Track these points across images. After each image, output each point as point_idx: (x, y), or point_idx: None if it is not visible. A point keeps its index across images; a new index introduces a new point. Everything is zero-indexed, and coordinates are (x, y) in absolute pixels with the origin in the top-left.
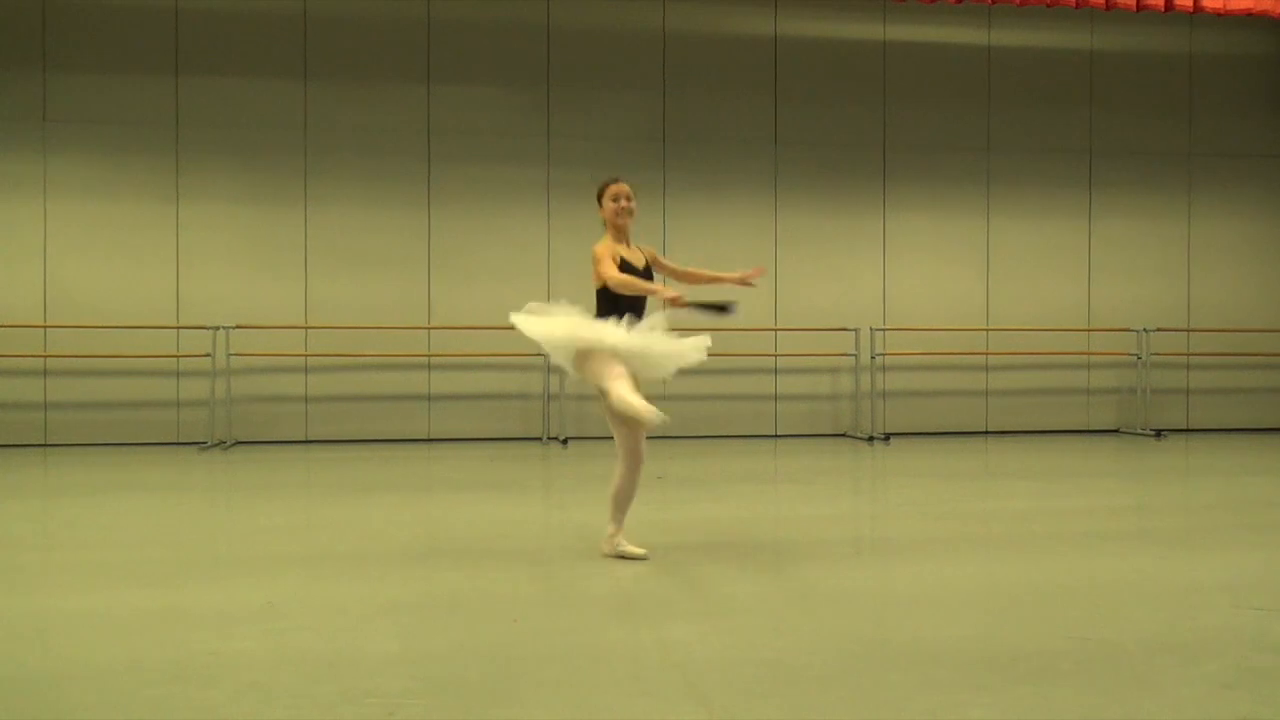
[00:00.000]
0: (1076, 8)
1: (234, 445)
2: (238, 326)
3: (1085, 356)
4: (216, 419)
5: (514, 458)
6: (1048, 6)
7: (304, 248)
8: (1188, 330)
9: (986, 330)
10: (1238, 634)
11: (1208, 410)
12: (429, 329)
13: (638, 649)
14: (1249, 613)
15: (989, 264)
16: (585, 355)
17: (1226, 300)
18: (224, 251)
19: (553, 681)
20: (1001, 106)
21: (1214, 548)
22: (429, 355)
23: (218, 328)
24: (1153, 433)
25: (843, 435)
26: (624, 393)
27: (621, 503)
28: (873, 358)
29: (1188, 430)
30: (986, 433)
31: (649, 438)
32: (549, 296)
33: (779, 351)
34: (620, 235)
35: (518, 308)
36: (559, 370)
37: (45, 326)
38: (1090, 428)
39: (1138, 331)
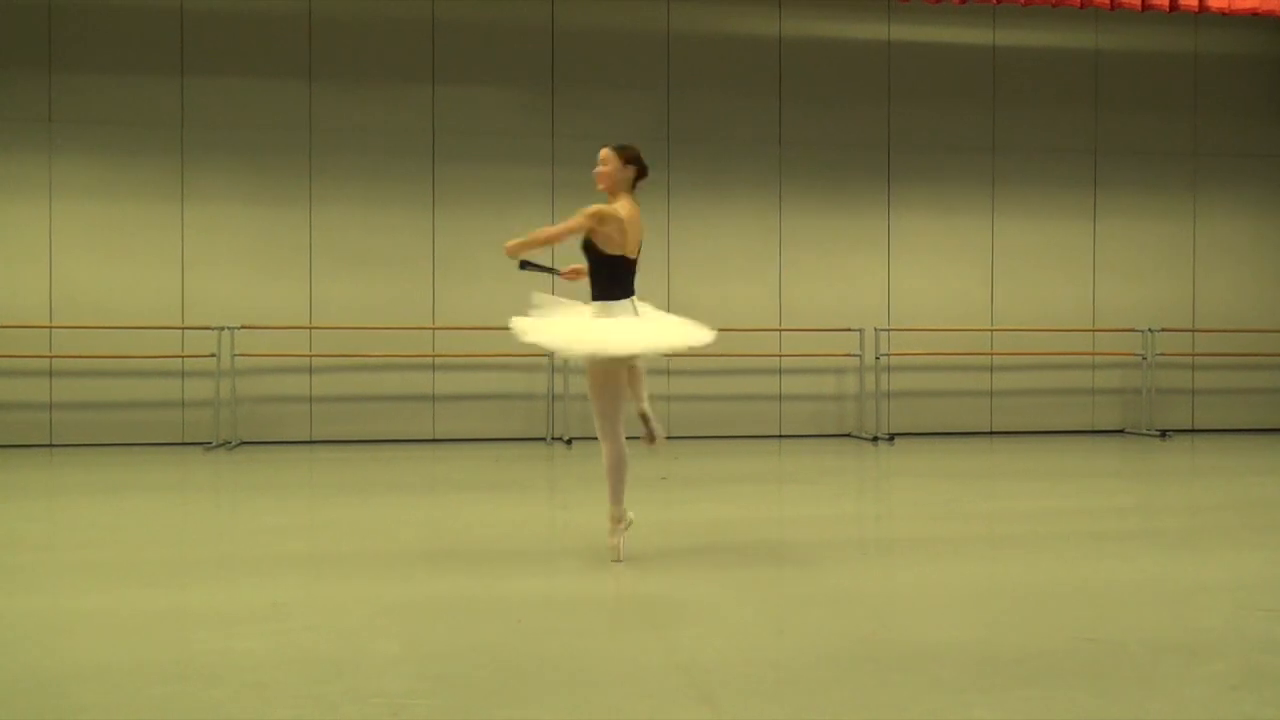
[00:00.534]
0: (1081, 8)
1: (239, 445)
2: (242, 327)
3: (1090, 357)
4: (221, 419)
5: (518, 458)
6: (1052, 6)
7: (309, 248)
8: (1193, 330)
9: (991, 330)
10: (1243, 635)
11: (1213, 410)
12: (433, 329)
13: (642, 649)
14: (1254, 613)
15: (993, 264)
16: (594, 361)
17: (1232, 300)
18: (229, 252)
19: (557, 682)
20: (1006, 107)
21: (1219, 548)
22: (433, 355)
23: (222, 328)
24: (1158, 433)
25: (847, 436)
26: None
27: (615, 481)
28: (877, 358)
29: (1193, 431)
30: (991, 433)
31: (629, 437)
32: (553, 295)
33: (783, 352)
34: (612, 197)
35: (522, 308)
36: (563, 371)
37: (50, 327)
38: (1095, 428)
39: (1143, 332)
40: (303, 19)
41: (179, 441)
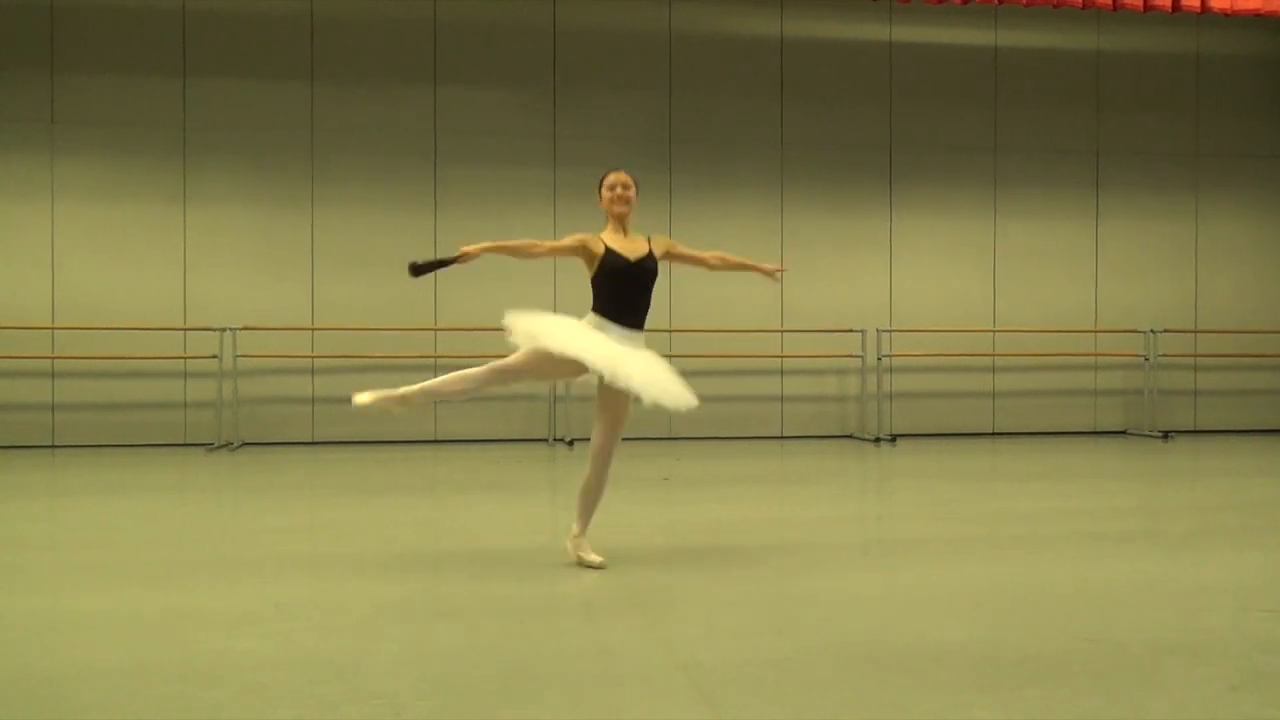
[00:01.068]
0: (1083, 8)
1: (240, 446)
2: (244, 328)
3: (1092, 358)
4: (223, 420)
5: (520, 459)
6: (1054, 7)
7: (310, 249)
8: (1195, 331)
9: (993, 331)
10: (1245, 636)
11: (1215, 411)
12: (435, 330)
13: (643, 650)
14: (1256, 615)
15: (995, 265)
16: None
17: (1234, 301)
18: (231, 253)
19: (558, 682)
20: (1008, 107)
21: (1221, 549)
22: (435, 356)
23: (224, 329)
24: (1160, 434)
25: (848, 437)
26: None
27: (589, 502)
28: (879, 359)
29: (1195, 431)
30: (993, 434)
31: (626, 439)
32: (554, 296)
33: (785, 353)
34: (618, 225)
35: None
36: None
37: (52, 328)
38: (1097, 429)
39: (1145, 332)
40: (304, 20)
41: (181, 443)
